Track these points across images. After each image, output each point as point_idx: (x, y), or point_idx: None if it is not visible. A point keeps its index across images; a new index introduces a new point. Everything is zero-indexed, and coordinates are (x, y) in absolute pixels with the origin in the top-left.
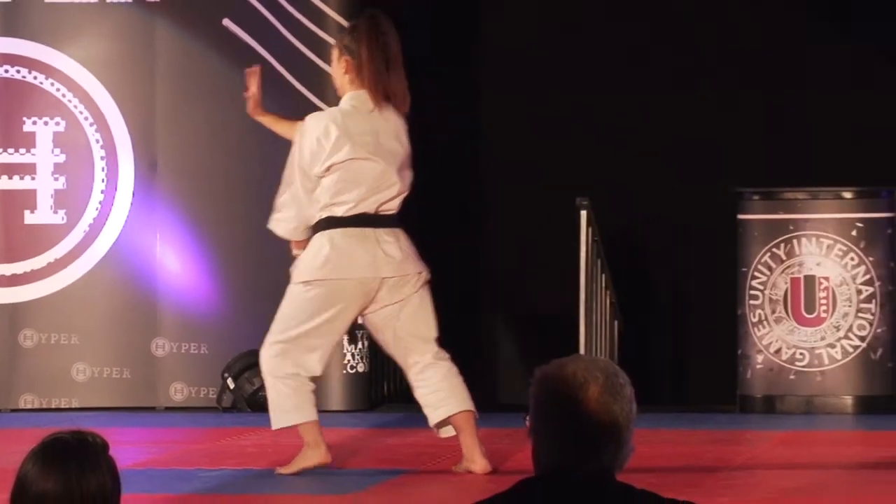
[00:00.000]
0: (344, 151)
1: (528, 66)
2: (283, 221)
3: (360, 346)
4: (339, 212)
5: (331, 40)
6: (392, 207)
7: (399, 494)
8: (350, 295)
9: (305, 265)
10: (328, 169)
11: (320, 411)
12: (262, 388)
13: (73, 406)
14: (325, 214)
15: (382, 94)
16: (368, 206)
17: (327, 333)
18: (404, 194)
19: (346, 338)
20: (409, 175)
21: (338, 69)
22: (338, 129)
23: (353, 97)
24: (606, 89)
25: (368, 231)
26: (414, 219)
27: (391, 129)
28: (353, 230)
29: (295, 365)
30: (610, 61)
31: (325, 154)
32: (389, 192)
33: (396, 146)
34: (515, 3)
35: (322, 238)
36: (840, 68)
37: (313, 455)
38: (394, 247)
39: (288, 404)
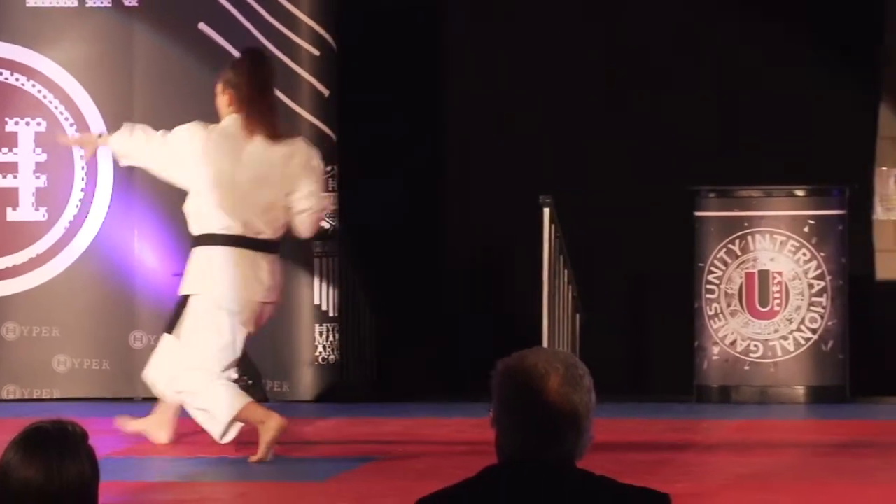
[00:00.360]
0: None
1: (492, 69)
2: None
3: (331, 337)
4: None
5: (302, 43)
6: None
7: (369, 481)
8: None
9: None
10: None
11: (294, 402)
12: (238, 379)
13: (54, 396)
14: None
15: (258, 123)
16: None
17: None
18: None
19: (316, 327)
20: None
21: (222, 101)
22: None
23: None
24: (569, 92)
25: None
26: (381, 215)
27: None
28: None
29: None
30: (572, 64)
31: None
32: None
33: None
34: (478, 6)
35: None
36: (794, 72)
37: (270, 426)
38: None
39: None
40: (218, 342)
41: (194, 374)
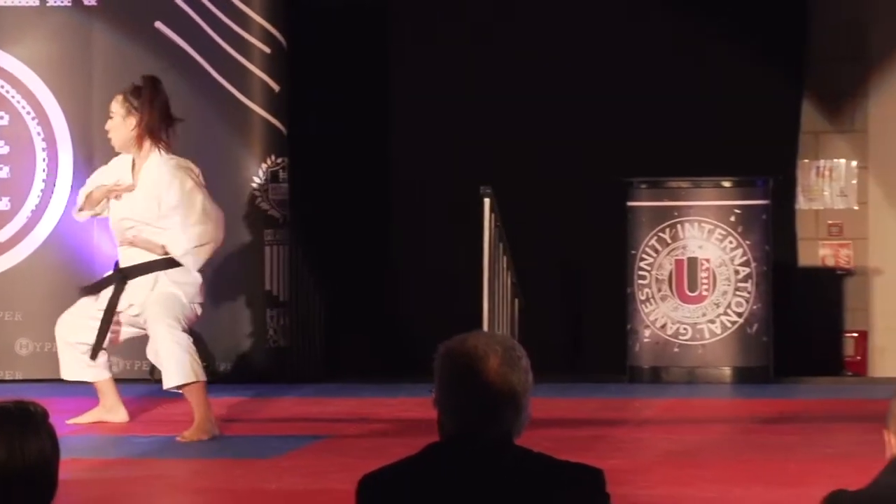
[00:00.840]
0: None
1: (436, 67)
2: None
3: (281, 321)
4: None
5: (254, 41)
6: None
7: (318, 458)
8: None
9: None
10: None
11: (246, 382)
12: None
13: (17, 378)
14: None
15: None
16: None
17: None
18: None
19: (267, 312)
20: None
21: (125, 126)
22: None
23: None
24: (508, 89)
25: None
26: (330, 206)
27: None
28: None
29: None
30: (511, 63)
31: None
32: None
33: None
34: (424, 6)
35: None
36: (722, 69)
37: (205, 421)
38: None
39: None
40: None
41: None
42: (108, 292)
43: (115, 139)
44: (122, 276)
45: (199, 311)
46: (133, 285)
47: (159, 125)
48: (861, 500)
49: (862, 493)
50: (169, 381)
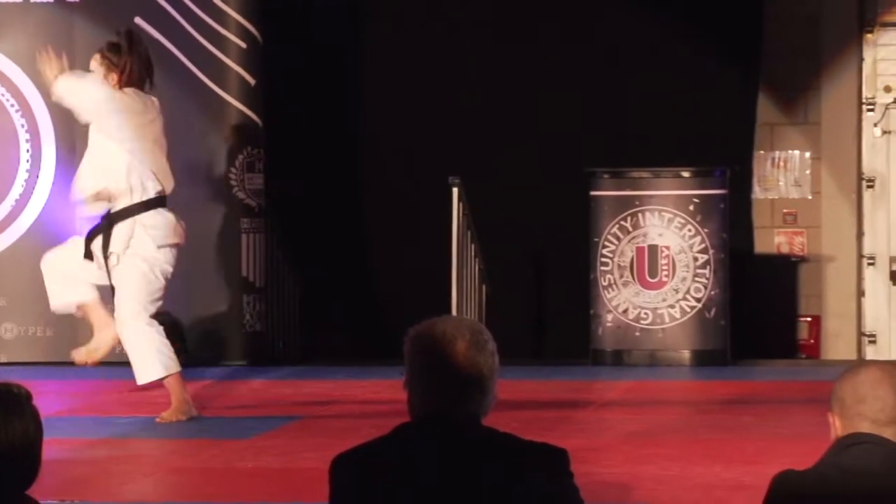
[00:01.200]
0: None
1: (407, 62)
2: None
3: (258, 306)
4: None
5: (231, 36)
6: None
7: (293, 438)
8: None
9: None
10: None
11: (223, 365)
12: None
13: (2, 361)
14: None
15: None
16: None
17: None
18: None
19: (244, 297)
20: None
21: (105, 83)
22: None
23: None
24: (477, 85)
25: None
26: (304, 195)
27: None
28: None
29: None
30: (480, 60)
31: None
32: None
33: None
34: (393, 5)
35: None
36: (681, 65)
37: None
38: None
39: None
40: None
41: None
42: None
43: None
44: (108, 223)
45: (172, 254)
46: (116, 231)
47: (140, 79)
48: (807, 480)
49: (808, 473)
50: (141, 379)
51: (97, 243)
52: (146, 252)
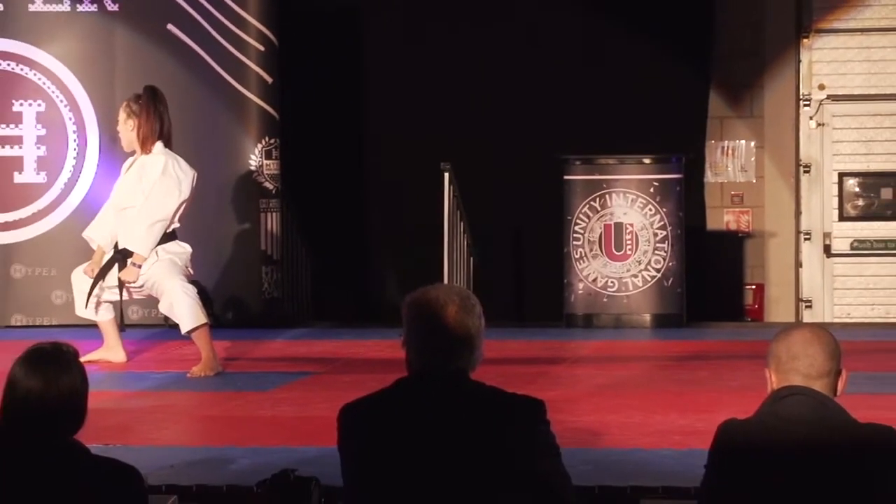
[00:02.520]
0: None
1: (404, 60)
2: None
3: (274, 276)
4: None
5: (250, 40)
6: None
7: (305, 391)
8: None
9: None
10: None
11: (242, 327)
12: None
13: (53, 324)
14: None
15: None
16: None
17: None
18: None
19: (262, 268)
20: None
21: (126, 127)
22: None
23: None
24: (465, 81)
25: None
26: (315, 178)
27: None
28: None
29: None
30: (467, 58)
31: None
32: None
33: None
34: (393, 11)
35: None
36: (643, 64)
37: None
38: None
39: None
40: None
41: None
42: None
43: (122, 140)
44: (122, 256)
45: (191, 272)
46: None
47: (153, 129)
48: (748, 426)
49: (749, 421)
50: (185, 326)
51: (113, 273)
52: (174, 252)
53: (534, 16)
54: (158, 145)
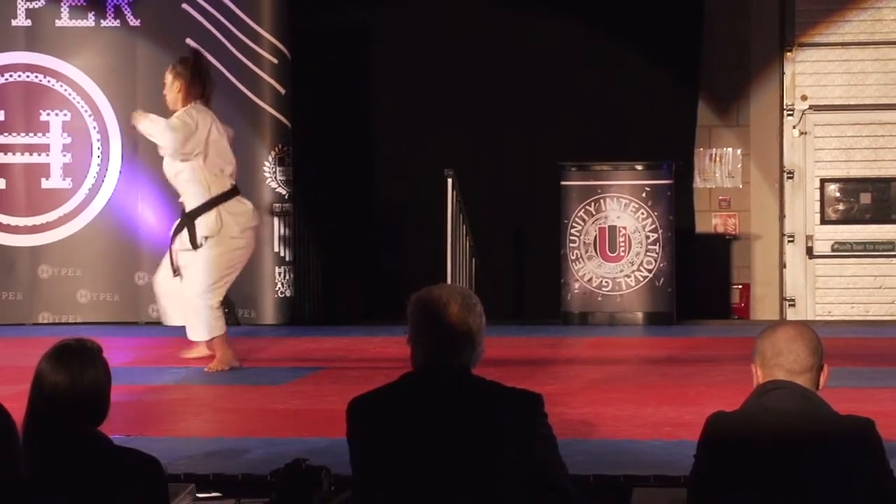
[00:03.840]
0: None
1: (410, 73)
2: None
3: (287, 276)
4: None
5: (264, 53)
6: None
7: (317, 385)
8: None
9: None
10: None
11: (257, 325)
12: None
13: (78, 321)
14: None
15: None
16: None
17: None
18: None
19: (276, 269)
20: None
21: (172, 88)
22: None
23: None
24: (468, 93)
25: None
26: (326, 184)
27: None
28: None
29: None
30: (469, 71)
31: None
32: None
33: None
34: (398, 26)
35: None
36: (635, 76)
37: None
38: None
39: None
40: None
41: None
42: (184, 235)
43: (167, 100)
44: (189, 219)
45: (252, 235)
46: (201, 221)
47: (195, 86)
48: (735, 419)
49: (736, 413)
50: (193, 336)
51: (182, 237)
52: (231, 234)
53: (534, 36)
54: (198, 104)
